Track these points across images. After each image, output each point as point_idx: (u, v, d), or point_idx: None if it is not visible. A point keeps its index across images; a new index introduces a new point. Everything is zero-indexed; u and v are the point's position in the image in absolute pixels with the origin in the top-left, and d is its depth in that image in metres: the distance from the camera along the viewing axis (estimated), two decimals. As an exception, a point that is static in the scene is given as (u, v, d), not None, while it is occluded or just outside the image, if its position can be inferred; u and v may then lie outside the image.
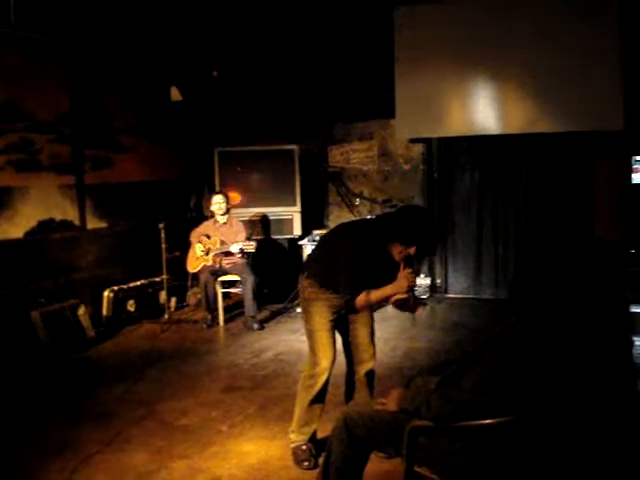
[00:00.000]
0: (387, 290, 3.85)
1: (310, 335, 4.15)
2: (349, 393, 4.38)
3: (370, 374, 4.32)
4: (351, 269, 3.87)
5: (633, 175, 11.34)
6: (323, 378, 4.09)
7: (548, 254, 2.82)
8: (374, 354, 4.31)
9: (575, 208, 8.39)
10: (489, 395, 2.62)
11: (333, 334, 4.14)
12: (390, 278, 3.86)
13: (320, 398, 4.17)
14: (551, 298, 2.76)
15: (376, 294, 3.86)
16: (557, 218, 8.41)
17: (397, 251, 3.85)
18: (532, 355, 2.62)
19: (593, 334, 2.91)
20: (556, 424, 2.74)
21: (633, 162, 11.31)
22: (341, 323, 4.20)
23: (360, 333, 4.26)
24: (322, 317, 4.09)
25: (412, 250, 3.81)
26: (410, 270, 3.85)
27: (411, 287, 3.86)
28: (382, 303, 4.18)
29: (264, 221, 9.03)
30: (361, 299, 3.86)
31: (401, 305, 3.95)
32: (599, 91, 7.65)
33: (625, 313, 7.55)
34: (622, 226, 8.28)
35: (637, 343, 6.26)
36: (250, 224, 8.83)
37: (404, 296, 3.85)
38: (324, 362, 4.08)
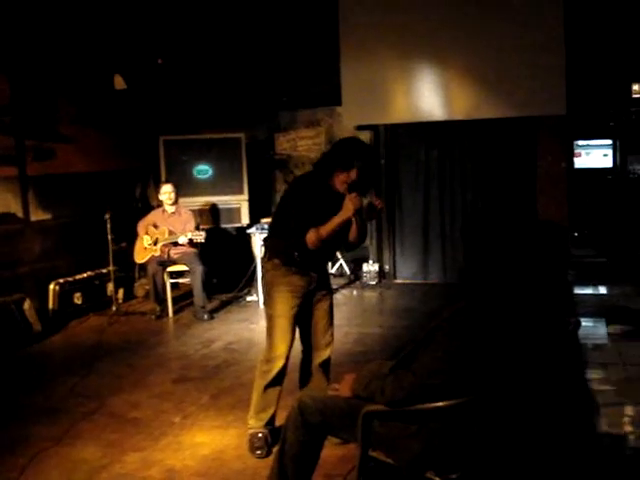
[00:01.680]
0: (335, 220, 3.85)
1: (270, 320, 4.13)
2: (304, 380, 4.39)
3: (326, 362, 4.33)
4: (297, 212, 3.91)
5: (575, 159, 11.60)
6: (279, 364, 4.08)
7: (494, 238, 2.86)
8: (331, 342, 4.33)
9: (519, 192, 8.53)
10: (441, 378, 2.65)
11: (294, 321, 4.12)
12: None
13: (276, 383, 4.14)
14: (498, 282, 2.81)
15: (325, 228, 3.85)
16: (502, 202, 8.54)
17: (340, 182, 3.89)
18: (482, 337, 2.65)
19: (538, 316, 2.96)
20: (507, 404, 2.79)
21: (575, 147, 11.57)
22: (302, 309, 4.17)
23: (320, 320, 4.26)
24: (284, 303, 4.07)
25: (353, 174, 3.84)
26: (354, 194, 3.83)
27: (358, 210, 3.84)
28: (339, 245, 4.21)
29: (213, 210, 8.97)
30: (311, 236, 3.85)
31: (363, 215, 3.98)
32: (542, 77, 7.78)
33: (568, 295, 7.73)
34: (565, 210, 8.44)
35: (582, 324, 6.42)
36: (199, 213, 8.77)
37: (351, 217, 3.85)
38: (281, 347, 4.07)
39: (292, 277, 4.08)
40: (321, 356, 4.29)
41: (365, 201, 3.95)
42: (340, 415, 2.96)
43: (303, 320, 4.25)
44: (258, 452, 4.08)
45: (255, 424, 4.19)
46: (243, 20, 8.82)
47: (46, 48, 7.70)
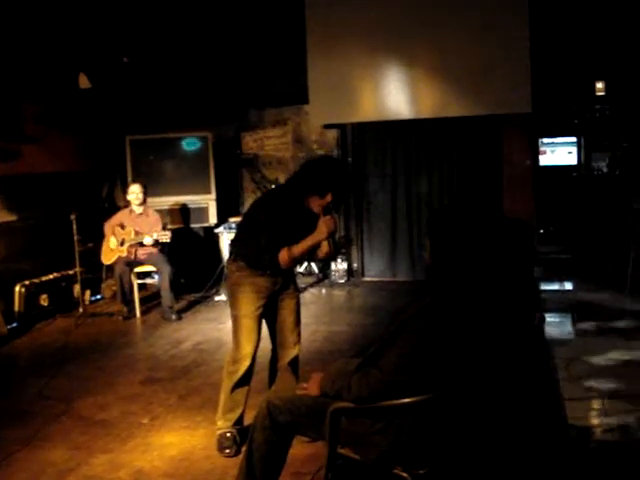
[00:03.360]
0: (308, 241, 3.88)
1: (235, 320, 4.13)
2: (272, 379, 4.41)
3: (294, 361, 4.34)
4: (269, 230, 3.91)
5: (540, 157, 11.73)
6: (245, 364, 4.09)
7: (460, 235, 2.89)
8: (299, 341, 4.34)
9: (486, 189, 8.61)
10: (408, 374, 2.67)
11: (259, 321, 4.13)
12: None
13: (243, 383, 4.15)
14: (464, 278, 2.84)
15: (298, 248, 3.87)
16: (469, 199, 8.62)
17: (316, 204, 3.89)
18: (447, 333, 2.68)
19: (505, 311, 3.00)
20: (472, 399, 2.83)
21: (540, 144, 11.69)
22: (268, 308, 4.19)
23: (286, 319, 4.27)
24: (249, 304, 4.08)
25: (329, 198, 3.86)
26: (329, 216, 3.87)
27: (332, 233, 3.89)
28: (308, 257, 4.22)
29: (183, 210, 8.94)
30: (283, 255, 3.87)
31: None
32: (508, 75, 7.86)
33: (534, 291, 7.82)
34: (531, 207, 8.54)
35: (547, 319, 6.50)
36: (169, 213, 8.74)
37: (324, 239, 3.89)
38: (247, 348, 4.08)
39: (257, 278, 4.10)
40: (289, 355, 4.30)
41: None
42: (308, 414, 2.97)
43: (270, 319, 4.27)
44: (227, 451, 4.08)
45: (223, 424, 4.19)
46: (210, 18, 8.77)
47: (9, 47, 7.60)
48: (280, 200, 4.03)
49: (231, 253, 4.27)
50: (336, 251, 4.23)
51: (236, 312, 4.13)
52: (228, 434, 4.15)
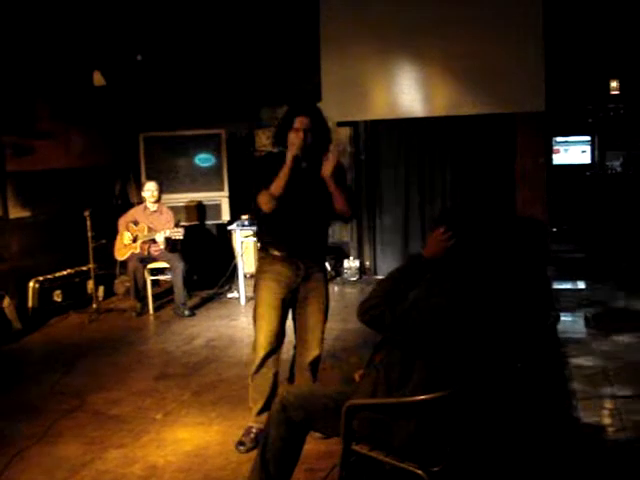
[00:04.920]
0: (283, 170, 3.90)
1: (254, 309, 4.13)
2: (292, 376, 4.41)
3: (315, 361, 4.27)
4: (254, 184, 4.04)
5: (554, 156, 11.69)
6: (260, 354, 4.06)
7: (473, 233, 2.89)
8: (321, 341, 4.27)
9: (498, 188, 8.58)
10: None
11: (279, 311, 4.07)
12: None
13: (263, 373, 4.10)
14: (477, 276, 2.84)
15: (274, 183, 3.91)
16: (481, 198, 8.59)
17: (291, 137, 3.98)
18: (460, 330, 2.69)
19: (519, 309, 2.99)
20: (487, 396, 2.82)
21: (554, 143, 11.65)
22: (293, 302, 4.17)
23: (309, 319, 4.20)
24: (267, 292, 4.05)
25: (297, 123, 3.97)
26: (296, 135, 3.94)
27: (302, 145, 3.92)
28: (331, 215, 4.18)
29: (198, 207, 8.96)
30: (263, 195, 3.95)
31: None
32: (521, 73, 7.84)
33: (548, 290, 7.79)
34: (544, 206, 8.51)
35: (561, 318, 6.49)
36: (185, 210, 8.77)
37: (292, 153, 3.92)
38: (260, 337, 4.07)
39: (276, 265, 4.07)
40: (308, 355, 4.22)
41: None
42: (322, 410, 2.97)
43: (295, 314, 4.24)
44: (240, 447, 4.08)
45: (252, 418, 4.17)
46: (223, 16, 8.80)
47: (25, 44, 7.64)
48: (260, 157, 4.10)
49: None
50: (350, 196, 4.13)
51: (256, 300, 4.12)
52: (253, 430, 4.12)
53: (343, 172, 4.21)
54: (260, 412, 4.11)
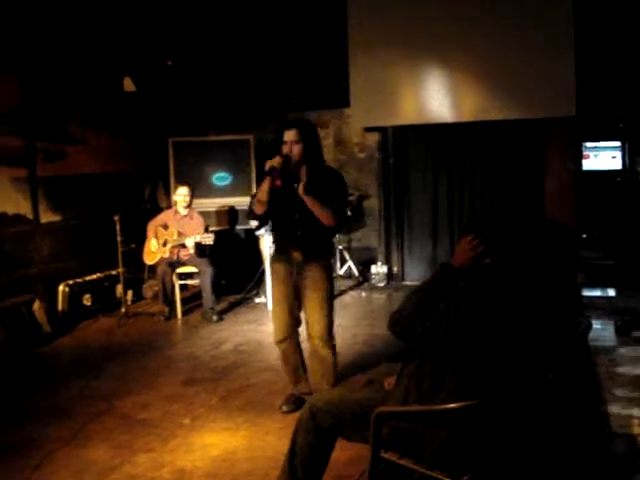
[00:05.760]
0: (264, 182, 4.38)
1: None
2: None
3: (319, 334, 4.60)
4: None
5: (584, 161, 11.57)
6: (280, 348, 4.75)
7: (503, 239, 2.87)
8: (324, 320, 4.58)
9: (528, 194, 8.52)
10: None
11: (284, 307, 4.61)
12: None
13: (288, 364, 4.79)
14: (507, 282, 2.82)
15: (258, 191, 4.47)
16: (511, 203, 8.53)
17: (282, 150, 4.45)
18: (502, 328, 2.68)
19: (549, 317, 2.96)
20: (518, 405, 2.79)
21: (584, 149, 11.54)
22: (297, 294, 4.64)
23: (308, 311, 4.60)
24: (274, 288, 4.69)
25: (285, 136, 4.47)
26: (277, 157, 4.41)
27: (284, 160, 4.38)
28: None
29: (229, 212, 9.00)
30: (256, 204, 4.47)
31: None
32: (551, 78, 7.76)
33: (578, 297, 7.71)
34: (574, 212, 8.42)
35: (594, 326, 6.42)
36: (215, 215, 8.81)
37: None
38: (276, 333, 4.71)
39: (275, 264, 4.68)
40: (314, 329, 4.59)
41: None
42: (351, 417, 2.97)
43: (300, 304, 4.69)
44: (283, 407, 4.74)
45: (291, 387, 4.87)
46: (252, 22, 8.83)
47: (57, 50, 7.73)
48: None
49: None
50: (335, 214, 4.44)
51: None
52: (294, 393, 4.79)
53: (332, 185, 4.55)
54: (296, 383, 4.81)
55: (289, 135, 4.43)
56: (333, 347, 4.67)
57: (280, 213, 4.55)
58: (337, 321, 4.60)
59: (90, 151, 8.29)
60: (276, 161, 4.36)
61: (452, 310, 2.75)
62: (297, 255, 4.52)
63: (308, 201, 4.36)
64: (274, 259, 4.73)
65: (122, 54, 8.56)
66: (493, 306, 2.74)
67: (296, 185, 4.42)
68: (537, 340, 2.81)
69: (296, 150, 4.42)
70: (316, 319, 4.54)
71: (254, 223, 7.51)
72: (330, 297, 4.62)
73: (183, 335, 7.19)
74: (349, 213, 8.35)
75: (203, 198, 8.83)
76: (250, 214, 4.65)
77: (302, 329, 4.76)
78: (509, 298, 2.80)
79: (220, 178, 9.09)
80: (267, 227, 8.19)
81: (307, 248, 4.53)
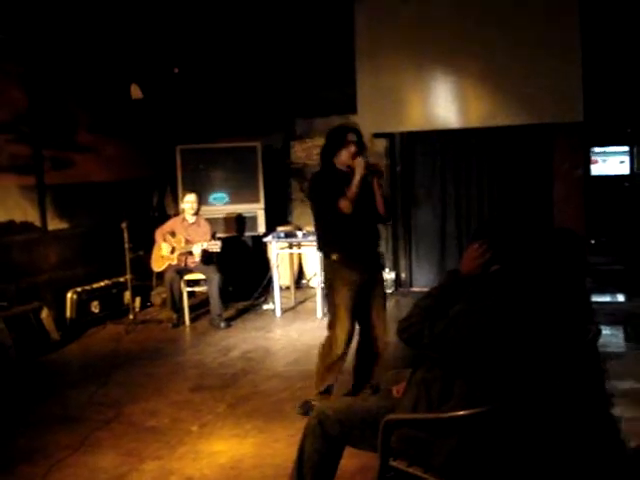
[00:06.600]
0: (353, 182, 4.53)
1: (334, 312, 4.75)
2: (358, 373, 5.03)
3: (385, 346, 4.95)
4: (323, 201, 4.65)
5: (592, 166, 11.54)
6: (340, 350, 4.77)
7: (522, 240, 2.87)
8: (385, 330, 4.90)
9: (536, 199, 8.50)
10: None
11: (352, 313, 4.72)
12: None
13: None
14: (516, 287, 2.81)
15: (350, 191, 4.52)
16: (518, 209, 8.51)
17: (346, 157, 4.65)
18: (510, 336, 2.67)
19: (558, 324, 2.95)
20: (528, 413, 2.78)
21: (592, 154, 11.50)
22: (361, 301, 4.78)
23: (375, 311, 4.85)
24: (345, 298, 4.70)
25: (352, 147, 4.64)
26: (358, 158, 4.61)
27: (367, 166, 4.58)
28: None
29: (236, 219, 9.00)
30: (342, 203, 4.51)
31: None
32: (559, 83, 7.75)
33: (587, 303, 7.67)
34: (582, 217, 8.40)
35: (603, 332, 6.37)
36: (223, 222, 8.81)
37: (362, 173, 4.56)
38: (341, 335, 4.73)
39: (345, 271, 4.69)
40: (385, 338, 4.92)
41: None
42: (360, 425, 2.95)
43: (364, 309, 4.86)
44: (298, 409, 4.81)
45: (314, 394, 4.85)
46: (259, 29, 8.84)
47: (63, 58, 7.76)
48: (318, 176, 4.78)
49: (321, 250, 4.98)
50: (387, 202, 4.80)
51: (334, 304, 4.72)
52: (312, 402, 4.68)
53: (381, 175, 4.86)
54: (323, 392, 4.76)
55: (353, 136, 4.71)
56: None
57: (353, 217, 4.63)
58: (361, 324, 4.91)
59: (97, 158, 8.31)
60: (363, 169, 4.60)
61: (460, 317, 2.74)
62: (366, 262, 4.77)
63: (377, 188, 4.71)
64: (343, 265, 4.72)
65: (129, 61, 8.59)
66: (501, 313, 2.73)
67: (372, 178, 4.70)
68: (547, 347, 2.79)
69: (357, 150, 4.70)
70: (384, 328, 4.89)
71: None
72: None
73: (191, 342, 7.20)
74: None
75: (209, 205, 8.84)
76: (327, 223, 4.77)
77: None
78: (517, 305, 2.79)
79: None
80: (274, 234, 8.25)
81: (374, 252, 4.92)
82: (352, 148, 4.64)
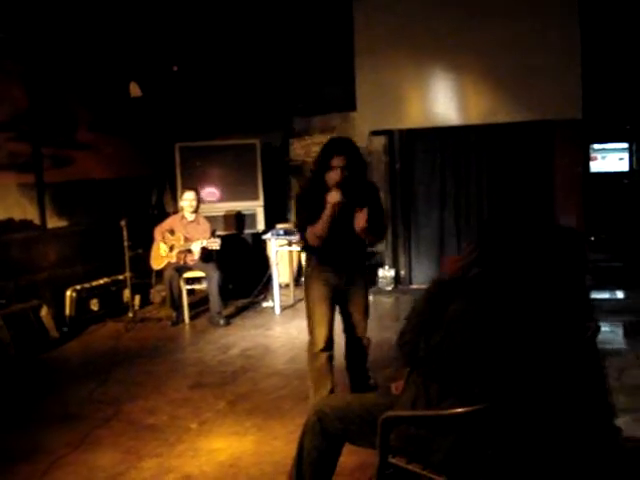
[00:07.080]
0: (325, 214, 4.30)
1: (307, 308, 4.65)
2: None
3: (362, 356, 4.86)
4: (297, 212, 4.56)
5: (591, 163, 11.54)
6: (318, 347, 4.64)
7: (511, 240, 2.86)
8: (366, 330, 4.80)
9: (536, 197, 8.49)
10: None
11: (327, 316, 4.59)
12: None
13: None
14: (516, 285, 2.80)
15: (318, 223, 4.32)
16: (518, 206, 8.50)
17: (331, 182, 4.34)
18: (504, 336, 2.66)
19: (558, 320, 2.94)
20: (526, 409, 2.78)
21: (591, 151, 11.50)
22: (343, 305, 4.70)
23: (355, 315, 4.71)
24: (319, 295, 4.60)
25: (335, 174, 4.30)
26: (333, 191, 4.29)
27: (338, 204, 4.27)
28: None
29: (235, 216, 9.00)
30: (309, 233, 4.38)
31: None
32: (558, 80, 7.75)
33: (586, 300, 7.67)
34: (582, 214, 8.39)
35: (602, 329, 6.37)
36: (222, 220, 8.81)
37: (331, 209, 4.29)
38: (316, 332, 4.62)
39: (324, 274, 4.58)
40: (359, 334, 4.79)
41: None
42: (358, 422, 2.95)
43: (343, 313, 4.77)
44: None
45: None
46: (257, 27, 8.83)
47: (63, 56, 7.75)
48: (305, 186, 4.63)
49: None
50: (376, 227, 4.45)
51: (307, 301, 4.62)
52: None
53: (380, 212, 4.60)
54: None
55: (339, 161, 4.34)
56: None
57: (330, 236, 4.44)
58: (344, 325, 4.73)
59: (97, 156, 8.31)
60: (338, 197, 4.29)
61: (453, 322, 2.75)
62: (345, 270, 4.60)
63: (362, 234, 4.40)
64: (322, 270, 4.58)
65: (128, 59, 8.58)
66: (482, 315, 2.73)
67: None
68: (545, 344, 2.79)
69: (343, 174, 4.35)
70: (361, 329, 4.78)
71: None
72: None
73: (190, 340, 7.19)
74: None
75: (208, 203, 8.84)
76: (305, 247, 4.72)
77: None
78: (513, 303, 2.78)
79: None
80: (273, 231, 8.25)
81: (354, 263, 4.68)
82: (336, 175, 4.33)
